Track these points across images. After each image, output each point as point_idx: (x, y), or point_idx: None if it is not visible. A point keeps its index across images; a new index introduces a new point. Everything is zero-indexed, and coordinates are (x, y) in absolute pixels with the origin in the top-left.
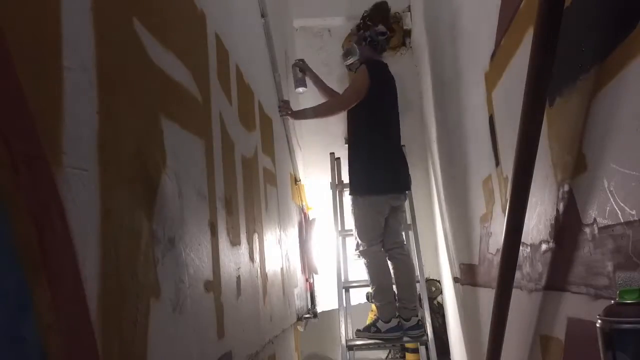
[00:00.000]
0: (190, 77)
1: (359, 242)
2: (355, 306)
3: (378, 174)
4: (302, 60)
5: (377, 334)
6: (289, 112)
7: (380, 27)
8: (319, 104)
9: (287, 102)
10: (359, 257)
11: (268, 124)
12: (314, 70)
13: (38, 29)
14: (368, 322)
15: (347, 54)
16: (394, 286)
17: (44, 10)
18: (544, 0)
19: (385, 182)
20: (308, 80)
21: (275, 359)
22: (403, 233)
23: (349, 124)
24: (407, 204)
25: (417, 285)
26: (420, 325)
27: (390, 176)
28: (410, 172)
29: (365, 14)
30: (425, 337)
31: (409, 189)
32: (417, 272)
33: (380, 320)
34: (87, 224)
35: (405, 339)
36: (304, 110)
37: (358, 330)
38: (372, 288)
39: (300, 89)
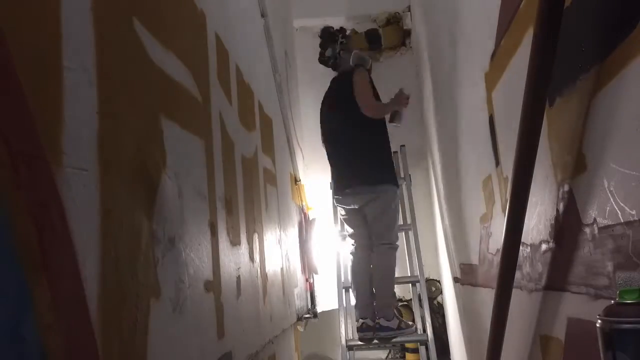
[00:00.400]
0: (190, 77)
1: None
2: None
3: (332, 177)
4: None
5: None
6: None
7: (328, 52)
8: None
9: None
10: None
11: (268, 124)
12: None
13: (38, 29)
14: None
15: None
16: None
17: (44, 10)
18: (544, 0)
19: (335, 184)
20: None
21: (275, 359)
22: (397, 233)
23: None
24: (406, 200)
25: (419, 285)
26: (391, 327)
27: (334, 179)
28: (410, 172)
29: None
30: (425, 337)
31: (361, 184)
32: (418, 272)
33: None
34: (87, 224)
35: (397, 339)
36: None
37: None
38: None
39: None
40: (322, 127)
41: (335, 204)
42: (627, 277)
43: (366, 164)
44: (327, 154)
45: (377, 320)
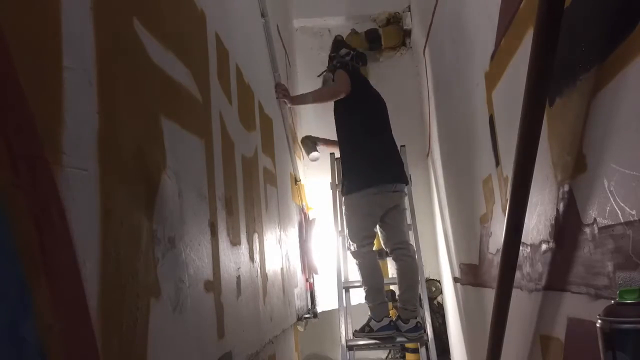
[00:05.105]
0: (190, 77)
1: (350, 242)
2: (355, 306)
3: (363, 169)
4: (309, 136)
5: (370, 333)
6: (286, 96)
7: (342, 51)
8: (315, 90)
9: (282, 85)
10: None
11: (268, 124)
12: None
13: (38, 29)
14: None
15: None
16: (396, 287)
17: (44, 10)
18: (544, 0)
19: (370, 176)
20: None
21: (275, 359)
22: (409, 233)
23: (337, 127)
24: (406, 200)
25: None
26: (420, 327)
27: (374, 170)
28: (410, 172)
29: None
30: (425, 337)
31: (403, 182)
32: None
33: (372, 320)
34: (87, 224)
35: (400, 339)
36: (303, 95)
37: (355, 331)
38: (364, 289)
39: (315, 154)
40: (363, 108)
41: (363, 199)
42: (627, 277)
43: (402, 163)
44: (363, 141)
45: (417, 320)
